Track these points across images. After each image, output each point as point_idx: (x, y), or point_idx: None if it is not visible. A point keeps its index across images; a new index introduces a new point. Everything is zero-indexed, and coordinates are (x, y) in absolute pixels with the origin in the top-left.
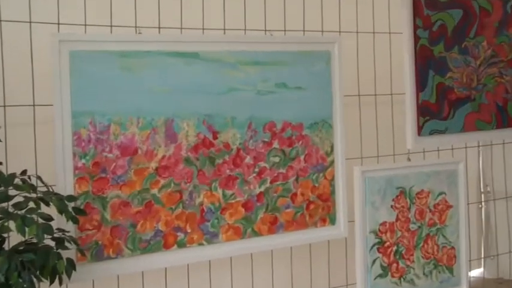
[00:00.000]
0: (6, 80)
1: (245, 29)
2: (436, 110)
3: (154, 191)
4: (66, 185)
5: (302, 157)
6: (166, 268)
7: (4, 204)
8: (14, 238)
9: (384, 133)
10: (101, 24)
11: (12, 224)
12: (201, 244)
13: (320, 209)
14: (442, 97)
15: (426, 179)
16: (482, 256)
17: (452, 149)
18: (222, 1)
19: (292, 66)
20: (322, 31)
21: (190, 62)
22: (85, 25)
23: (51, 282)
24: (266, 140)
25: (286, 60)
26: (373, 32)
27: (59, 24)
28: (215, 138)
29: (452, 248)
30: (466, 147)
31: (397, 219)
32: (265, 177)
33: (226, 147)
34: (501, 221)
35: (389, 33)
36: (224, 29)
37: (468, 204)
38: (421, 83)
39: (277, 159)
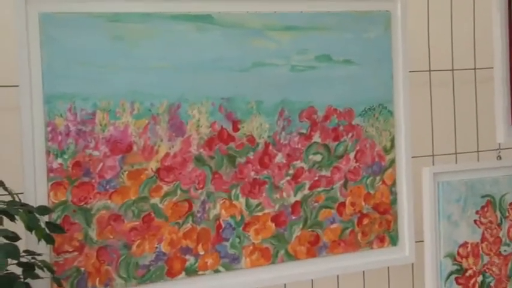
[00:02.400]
0: None
1: None
2: None
3: (155, 200)
4: (37, 193)
5: (352, 154)
6: None
7: None
8: None
9: (465, 122)
10: None
11: None
12: (217, 271)
13: (377, 224)
14: None
15: None
16: None
17: None
18: None
19: (338, 33)
20: None
21: (201, 28)
22: None
23: None
24: (304, 131)
25: (330, 24)
26: None
27: None
28: (236, 129)
29: None
30: None
31: (484, 239)
32: (302, 181)
33: (251, 141)
34: None
35: None
36: None
37: None
38: None
39: (318, 158)
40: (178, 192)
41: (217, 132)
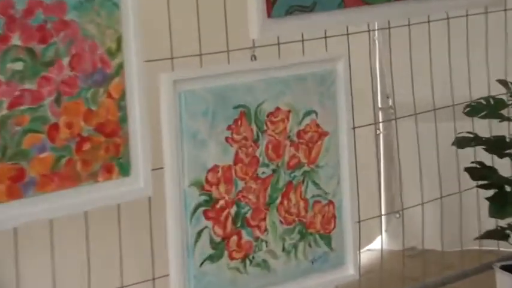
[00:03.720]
0: None
1: None
2: None
3: None
4: None
5: (66, 60)
6: None
7: None
8: None
9: (211, 15)
10: None
11: None
12: None
13: (102, 150)
14: None
15: (284, 91)
16: (382, 213)
17: (326, 37)
18: None
19: None
20: None
21: None
22: None
23: None
24: None
25: None
26: None
27: None
28: None
29: (330, 203)
30: (348, 34)
31: (237, 160)
32: None
33: None
34: (408, 153)
35: None
36: None
37: (355, 128)
38: None
39: (19, 66)
40: None
41: None
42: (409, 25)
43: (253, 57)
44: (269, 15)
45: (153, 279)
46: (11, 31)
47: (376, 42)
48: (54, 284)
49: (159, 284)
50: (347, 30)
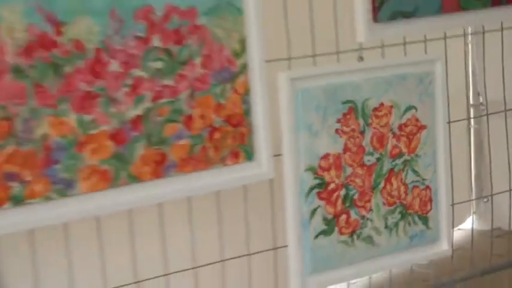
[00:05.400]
0: None
1: None
2: None
3: None
4: None
5: (198, 60)
6: None
7: None
8: None
9: (322, 20)
10: None
11: None
12: (48, 198)
13: (230, 138)
14: None
15: (387, 88)
16: (472, 198)
17: (425, 40)
18: None
19: None
20: None
21: None
22: None
23: None
24: (140, 34)
25: None
26: None
27: None
28: (59, 33)
29: (427, 187)
30: (445, 38)
31: (346, 149)
32: (143, 92)
33: (78, 47)
34: (498, 146)
35: None
36: None
37: (450, 122)
38: None
39: (159, 65)
40: None
41: (37, 36)
42: (502, 30)
43: (360, 58)
44: (375, 20)
45: (274, 248)
46: (152, 33)
47: (470, 45)
48: (193, 252)
49: (280, 254)
50: (445, 34)
